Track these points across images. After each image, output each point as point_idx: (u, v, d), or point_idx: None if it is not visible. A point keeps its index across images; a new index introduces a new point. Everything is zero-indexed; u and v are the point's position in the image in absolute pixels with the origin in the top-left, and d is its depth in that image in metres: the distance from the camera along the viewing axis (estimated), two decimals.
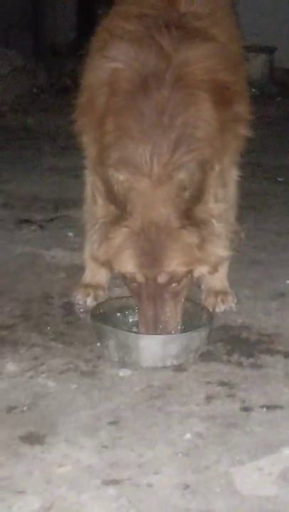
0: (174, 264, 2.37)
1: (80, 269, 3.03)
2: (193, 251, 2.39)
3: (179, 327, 2.45)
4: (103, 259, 2.47)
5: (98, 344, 2.51)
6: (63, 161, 4.89)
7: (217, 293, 2.87)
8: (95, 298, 2.86)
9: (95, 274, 2.91)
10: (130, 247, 2.38)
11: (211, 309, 2.75)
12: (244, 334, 2.68)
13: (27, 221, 3.83)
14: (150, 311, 2.41)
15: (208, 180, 2.36)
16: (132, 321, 2.64)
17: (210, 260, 2.44)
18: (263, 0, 7.96)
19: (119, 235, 2.39)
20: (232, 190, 2.88)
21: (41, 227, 3.76)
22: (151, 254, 2.36)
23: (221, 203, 2.46)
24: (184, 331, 2.48)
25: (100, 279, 2.91)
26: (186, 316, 2.60)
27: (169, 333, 2.42)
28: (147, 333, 2.42)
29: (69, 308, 2.85)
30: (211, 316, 2.60)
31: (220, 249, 2.46)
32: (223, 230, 2.47)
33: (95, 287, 2.89)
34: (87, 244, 2.93)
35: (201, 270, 2.46)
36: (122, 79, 2.52)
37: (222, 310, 2.82)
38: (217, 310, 2.80)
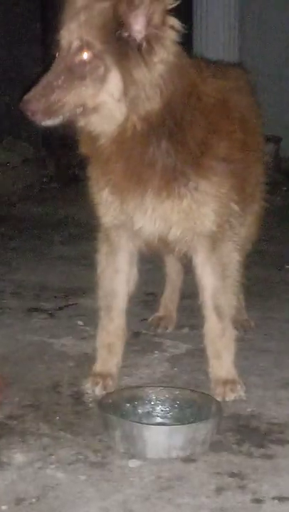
0: (90, 34, 2.47)
1: (90, 357, 3.04)
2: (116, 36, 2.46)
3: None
4: None
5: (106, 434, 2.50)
6: (72, 249, 4.95)
7: (225, 382, 2.85)
8: (104, 387, 2.85)
9: (105, 362, 2.92)
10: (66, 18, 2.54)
11: (220, 399, 2.74)
12: (254, 424, 2.66)
13: (37, 310, 3.85)
14: (40, 84, 2.50)
15: None
16: (142, 412, 2.63)
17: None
18: (269, 90, 8.15)
19: None
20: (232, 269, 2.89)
21: (51, 315, 3.78)
22: (74, 23, 2.50)
23: None
24: (192, 422, 2.47)
25: (111, 368, 2.91)
26: (195, 407, 2.59)
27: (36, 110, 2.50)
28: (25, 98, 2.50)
29: (78, 397, 2.84)
30: (220, 406, 2.59)
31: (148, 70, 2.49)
32: None
33: (105, 376, 2.88)
34: (99, 332, 2.96)
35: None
36: None
37: (232, 399, 2.81)
38: (227, 399, 2.79)
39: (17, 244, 5.23)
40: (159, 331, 3.53)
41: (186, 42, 2.63)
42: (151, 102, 2.53)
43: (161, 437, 2.40)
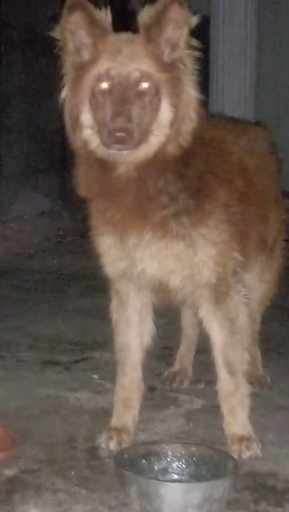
0: (145, 64, 2.52)
1: (105, 412, 3.03)
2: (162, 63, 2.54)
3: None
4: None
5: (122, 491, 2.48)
6: (88, 302, 4.96)
7: (241, 439, 2.83)
8: (119, 442, 2.84)
9: (121, 417, 2.91)
10: (105, 50, 2.56)
11: (236, 456, 2.72)
12: (271, 482, 2.63)
13: (52, 363, 3.85)
14: (121, 113, 2.47)
15: None
16: (158, 469, 2.60)
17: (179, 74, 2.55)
18: (284, 147, 8.21)
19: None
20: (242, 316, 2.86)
21: (66, 368, 3.78)
22: (124, 55, 2.54)
23: None
24: (208, 479, 2.44)
25: (126, 422, 2.90)
26: (212, 464, 2.57)
27: (129, 139, 2.48)
28: (111, 138, 2.48)
29: (93, 452, 2.82)
30: (236, 464, 2.56)
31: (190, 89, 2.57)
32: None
33: (120, 431, 2.87)
34: (116, 386, 2.95)
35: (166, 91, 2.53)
36: None
37: (248, 456, 2.78)
38: (243, 457, 2.76)
39: (33, 297, 5.25)
40: (175, 385, 3.52)
41: (203, 99, 2.68)
42: (193, 122, 2.58)
43: (177, 495, 2.38)
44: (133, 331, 2.93)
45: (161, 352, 3.78)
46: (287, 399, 3.40)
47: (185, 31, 2.54)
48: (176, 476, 2.62)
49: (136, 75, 2.52)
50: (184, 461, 2.63)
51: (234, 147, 2.89)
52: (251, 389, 2.93)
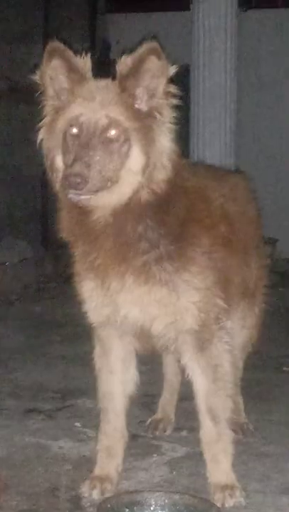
0: (115, 111, 2.54)
1: (88, 460, 3.01)
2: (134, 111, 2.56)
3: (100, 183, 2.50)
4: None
5: None
6: (71, 349, 4.94)
7: (224, 487, 2.81)
8: (102, 491, 2.82)
9: (104, 466, 2.89)
10: (79, 96, 2.59)
11: (219, 505, 2.70)
12: None
13: (34, 411, 3.82)
14: (80, 159, 2.48)
15: None
16: None
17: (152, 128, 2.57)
18: (264, 193, 8.29)
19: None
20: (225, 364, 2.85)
21: (49, 416, 3.75)
22: (95, 101, 2.56)
23: None
24: None
25: (110, 471, 2.88)
26: None
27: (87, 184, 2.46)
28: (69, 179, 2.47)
29: (76, 501, 2.80)
30: None
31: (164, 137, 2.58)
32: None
33: (103, 480, 2.85)
34: (99, 434, 2.93)
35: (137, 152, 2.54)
36: None
37: (231, 505, 2.76)
38: (226, 505, 2.75)
39: (15, 344, 5.22)
40: (158, 433, 3.50)
41: (184, 147, 2.71)
42: (166, 170, 2.59)
43: None
44: (116, 378, 2.92)
45: (144, 399, 3.77)
46: (271, 446, 3.40)
47: (163, 81, 2.57)
48: None
49: (104, 121, 2.55)
50: (167, 510, 2.62)
51: (216, 194, 2.92)
52: (234, 436, 2.92)
